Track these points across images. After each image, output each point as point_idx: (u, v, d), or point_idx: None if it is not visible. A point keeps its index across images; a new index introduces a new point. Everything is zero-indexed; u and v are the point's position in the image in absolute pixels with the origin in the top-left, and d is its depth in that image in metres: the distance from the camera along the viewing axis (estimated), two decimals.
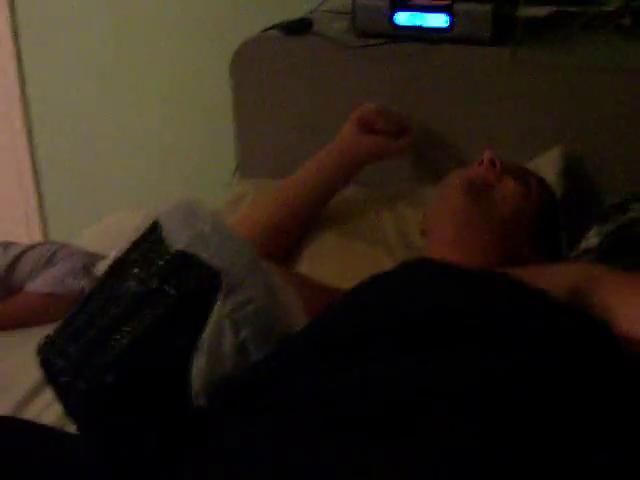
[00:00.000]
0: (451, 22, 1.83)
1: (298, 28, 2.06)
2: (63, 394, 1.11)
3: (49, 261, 1.72)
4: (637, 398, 0.98)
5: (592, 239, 1.54)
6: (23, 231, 2.92)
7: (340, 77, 1.99)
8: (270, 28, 2.08)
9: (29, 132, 2.83)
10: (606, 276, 1.22)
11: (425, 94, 1.93)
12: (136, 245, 1.23)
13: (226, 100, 2.15)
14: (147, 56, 2.60)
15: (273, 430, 0.97)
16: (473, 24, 1.81)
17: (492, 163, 1.52)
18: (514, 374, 0.98)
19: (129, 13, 2.58)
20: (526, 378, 0.98)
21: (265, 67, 2.07)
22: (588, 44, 1.86)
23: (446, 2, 1.82)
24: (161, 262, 1.17)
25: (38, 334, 1.20)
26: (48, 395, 1.34)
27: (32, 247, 1.77)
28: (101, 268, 1.24)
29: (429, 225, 1.53)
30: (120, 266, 1.21)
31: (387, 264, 1.55)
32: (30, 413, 1.36)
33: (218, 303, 1.13)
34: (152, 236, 1.22)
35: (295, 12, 2.12)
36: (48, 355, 1.12)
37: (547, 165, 1.78)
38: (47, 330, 1.17)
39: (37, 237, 2.89)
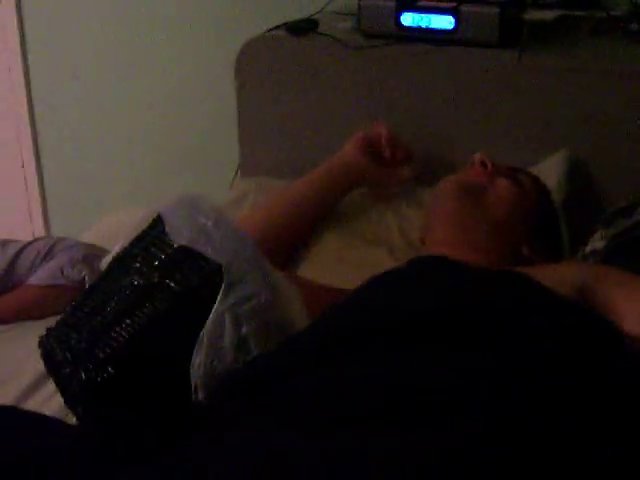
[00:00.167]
0: (457, 24, 1.82)
1: (303, 28, 2.05)
2: (64, 385, 1.11)
3: (48, 254, 1.72)
4: None
5: (597, 242, 1.54)
6: (27, 229, 2.93)
7: (345, 77, 1.99)
8: (275, 28, 2.08)
9: (33, 130, 2.84)
10: (610, 275, 1.22)
11: (430, 95, 1.93)
12: (139, 239, 1.23)
13: (230, 99, 2.15)
14: (151, 55, 2.61)
15: (271, 425, 0.96)
16: (479, 26, 1.81)
17: (483, 165, 1.52)
18: (516, 372, 0.98)
19: (134, 13, 2.58)
20: (528, 376, 0.98)
21: (269, 67, 2.07)
22: (594, 48, 1.86)
23: (452, 4, 1.82)
24: (163, 256, 1.17)
25: (39, 327, 1.21)
26: (49, 388, 1.34)
27: (30, 243, 1.77)
28: (104, 262, 1.24)
29: (427, 232, 1.53)
30: (123, 260, 1.21)
31: (389, 264, 1.54)
32: (31, 406, 1.35)
33: (219, 297, 1.13)
34: (155, 230, 1.22)
35: (300, 12, 2.12)
36: (50, 346, 1.13)
37: (551, 169, 1.77)
38: (48, 323, 1.18)
39: (40, 235, 2.89)
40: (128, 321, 1.11)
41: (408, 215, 1.80)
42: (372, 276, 1.27)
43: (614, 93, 1.77)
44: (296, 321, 1.21)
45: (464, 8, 1.81)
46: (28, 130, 2.84)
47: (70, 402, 1.11)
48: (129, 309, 1.12)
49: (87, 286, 1.29)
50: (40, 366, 1.17)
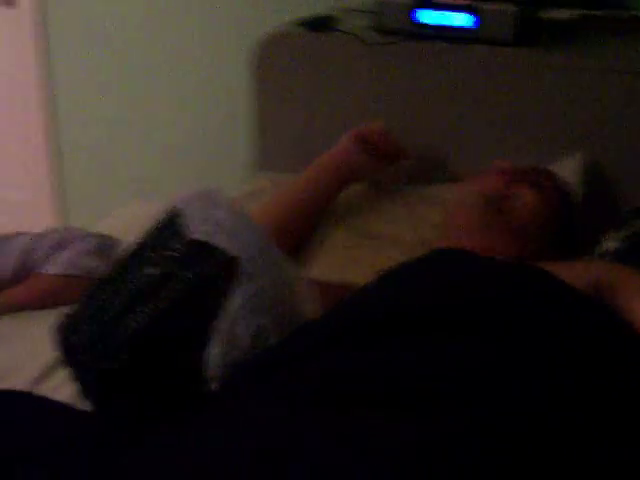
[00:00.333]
0: (475, 22, 1.82)
1: (320, 24, 2.06)
2: (79, 372, 1.12)
3: (61, 245, 1.72)
4: None
5: (610, 243, 1.53)
6: (44, 223, 2.94)
7: (361, 73, 1.99)
8: (292, 24, 2.09)
9: (54, 126, 2.86)
10: (633, 279, 1.22)
11: (446, 93, 1.92)
12: (155, 231, 1.24)
13: (247, 94, 2.15)
14: (169, 51, 2.62)
15: (278, 403, 0.97)
16: (497, 24, 1.81)
17: (503, 172, 1.51)
18: (529, 366, 0.98)
19: (152, 11, 2.59)
20: (541, 372, 0.98)
21: (286, 62, 2.07)
22: (614, 48, 1.86)
23: (470, 2, 1.82)
24: (179, 247, 1.18)
25: (52, 315, 1.22)
26: (60, 375, 1.35)
27: (44, 234, 1.77)
28: (120, 252, 1.25)
29: (445, 239, 1.52)
30: (138, 250, 1.22)
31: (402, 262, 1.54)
32: (44, 392, 1.36)
33: (235, 289, 1.14)
34: (170, 222, 1.23)
35: (317, 8, 2.13)
36: (65, 334, 1.13)
37: (567, 168, 1.77)
38: (61, 312, 1.19)
39: (57, 223, 2.91)
40: (143, 309, 1.11)
41: (421, 213, 1.80)
42: (389, 268, 1.28)
43: (632, 93, 1.76)
44: (309, 313, 1.21)
45: (482, 6, 1.81)
46: (48, 125, 2.86)
47: (85, 389, 1.12)
48: (144, 298, 1.12)
49: (101, 276, 1.29)
50: (53, 353, 1.18)
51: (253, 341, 1.12)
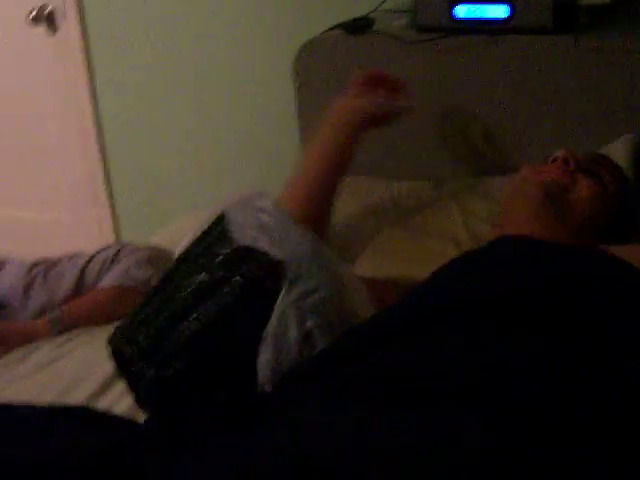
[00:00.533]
0: (511, 12, 1.81)
1: (359, 27, 2.07)
2: (133, 382, 1.13)
3: (114, 259, 1.76)
4: None
5: None
6: (97, 241, 2.98)
7: (402, 73, 1.98)
8: (332, 28, 2.10)
9: (101, 140, 2.90)
10: None
11: (487, 85, 1.91)
12: (203, 237, 1.25)
13: (289, 99, 2.17)
14: (211, 58, 2.64)
15: (330, 404, 0.98)
16: (534, 13, 1.79)
17: (565, 162, 1.50)
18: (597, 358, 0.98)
19: (195, 17, 2.62)
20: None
21: (328, 66, 2.08)
22: None
23: None
24: (227, 253, 1.19)
25: (107, 331, 1.24)
26: (119, 387, 1.37)
27: (98, 252, 1.82)
28: (170, 260, 1.26)
29: (503, 227, 1.51)
30: (187, 258, 1.24)
31: None
32: (101, 406, 1.38)
33: (282, 293, 1.15)
34: (218, 228, 1.24)
35: (356, 12, 2.13)
36: (118, 344, 1.15)
37: (615, 153, 1.74)
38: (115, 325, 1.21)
39: (110, 241, 2.95)
40: (195, 316, 1.13)
41: (473, 209, 1.79)
42: (451, 259, 1.28)
43: None
44: (361, 313, 1.22)
45: None
46: (95, 140, 2.90)
47: (140, 398, 1.14)
48: (195, 304, 1.14)
49: (153, 286, 1.32)
50: (109, 368, 1.20)
51: (301, 345, 1.12)
